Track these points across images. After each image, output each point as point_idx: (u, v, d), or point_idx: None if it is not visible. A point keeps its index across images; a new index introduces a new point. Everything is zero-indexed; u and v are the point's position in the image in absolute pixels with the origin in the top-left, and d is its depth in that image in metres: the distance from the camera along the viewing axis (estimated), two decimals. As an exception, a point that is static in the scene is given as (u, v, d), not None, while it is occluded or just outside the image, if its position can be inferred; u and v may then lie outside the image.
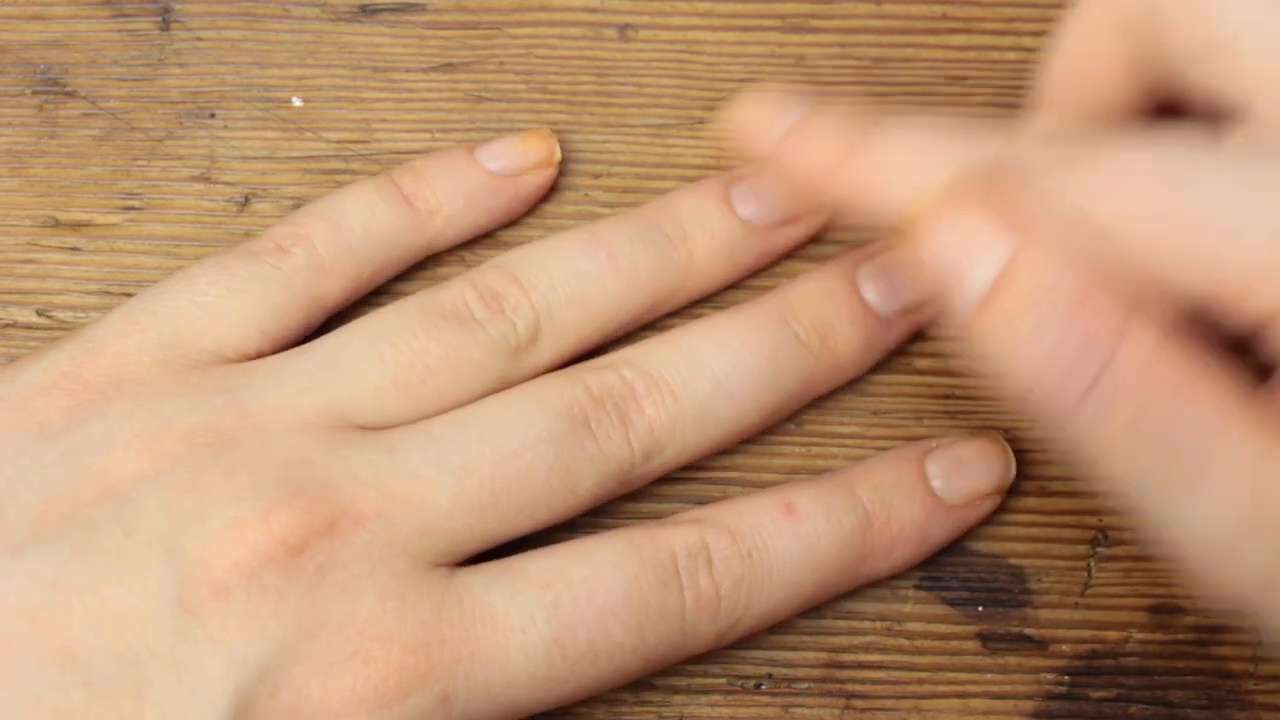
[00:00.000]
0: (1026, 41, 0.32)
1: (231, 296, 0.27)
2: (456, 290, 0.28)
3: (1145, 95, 0.25)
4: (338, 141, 0.31)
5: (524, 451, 0.26)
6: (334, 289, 0.28)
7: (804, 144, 0.25)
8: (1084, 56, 0.25)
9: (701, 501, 0.29)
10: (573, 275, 0.28)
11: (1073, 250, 0.22)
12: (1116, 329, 0.21)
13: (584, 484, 0.27)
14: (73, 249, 0.30)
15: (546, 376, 0.27)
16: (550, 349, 0.28)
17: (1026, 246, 0.22)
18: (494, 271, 0.28)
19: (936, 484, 0.28)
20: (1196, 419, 0.21)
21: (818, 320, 0.28)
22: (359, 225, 0.29)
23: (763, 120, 0.26)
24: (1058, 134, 0.23)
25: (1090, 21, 0.25)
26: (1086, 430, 0.22)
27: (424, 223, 0.29)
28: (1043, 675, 0.29)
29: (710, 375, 0.27)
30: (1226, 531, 0.21)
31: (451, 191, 0.30)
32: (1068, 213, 0.22)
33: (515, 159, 0.30)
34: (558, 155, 0.30)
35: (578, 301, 0.28)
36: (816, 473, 0.29)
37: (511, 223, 0.31)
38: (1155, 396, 0.21)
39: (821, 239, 0.31)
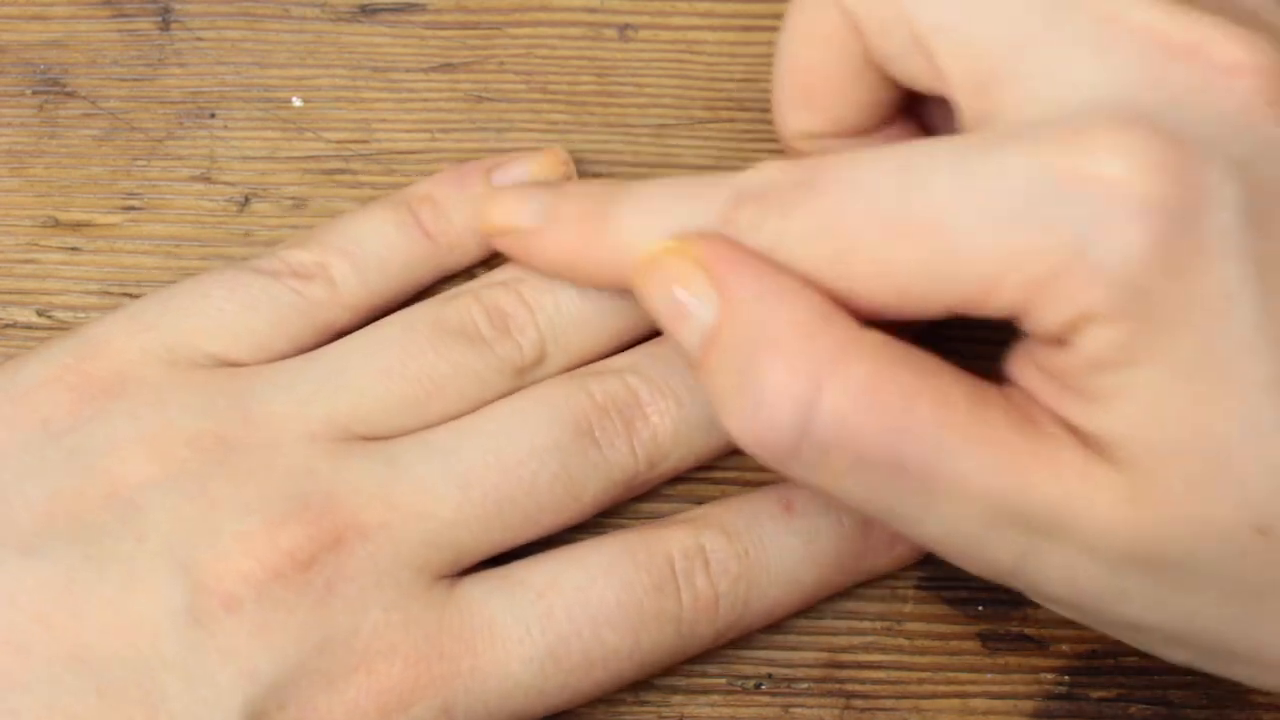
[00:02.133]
0: (1026, 41, 0.32)
1: (246, 312, 0.27)
2: (463, 305, 0.28)
3: (886, 93, 0.25)
4: (338, 141, 0.31)
5: (529, 461, 0.26)
6: (347, 319, 0.28)
7: (550, 237, 0.26)
8: (809, 65, 0.25)
9: (701, 501, 0.29)
10: (579, 296, 0.28)
11: (781, 297, 0.22)
12: (816, 380, 0.21)
13: (588, 492, 0.27)
14: (73, 249, 0.30)
15: (550, 382, 0.27)
16: (555, 366, 0.28)
17: (730, 305, 0.22)
18: (500, 288, 0.28)
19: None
20: (918, 445, 0.21)
21: None
22: (377, 261, 0.28)
23: (509, 220, 0.27)
24: (779, 168, 0.23)
25: (802, 32, 0.25)
26: (808, 473, 0.22)
27: (442, 256, 0.29)
28: (1043, 675, 0.29)
29: None
30: (971, 536, 0.22)
31: (470, 224, 0.29)
32: (786, 252, 0.22)
33: None
34: (574, 178, 0.30)
35: (583, 323, 0.28)
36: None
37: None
38: (872, 432, 0.21)
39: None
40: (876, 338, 0.22)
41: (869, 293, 0.22)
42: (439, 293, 0.29)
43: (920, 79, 0.23)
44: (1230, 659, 0.23)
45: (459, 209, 0.29)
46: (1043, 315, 0.20)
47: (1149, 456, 0.20)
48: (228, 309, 0.27)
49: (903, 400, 0.21)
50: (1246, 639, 0.22)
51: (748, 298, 0.22)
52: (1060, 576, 0.22)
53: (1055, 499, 0.21)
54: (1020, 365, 0.22)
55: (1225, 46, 0.21)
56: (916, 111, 0.27)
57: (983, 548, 0.22)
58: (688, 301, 0.23)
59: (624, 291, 0.28)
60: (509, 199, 0.27)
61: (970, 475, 0.21)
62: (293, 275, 0.28)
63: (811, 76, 0.25)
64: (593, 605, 0.26)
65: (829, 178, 0.22)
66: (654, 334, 0.29)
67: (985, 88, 0.22)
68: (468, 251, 0.29)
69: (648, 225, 0.25)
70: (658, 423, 0.27)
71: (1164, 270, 0.19)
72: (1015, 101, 0.22)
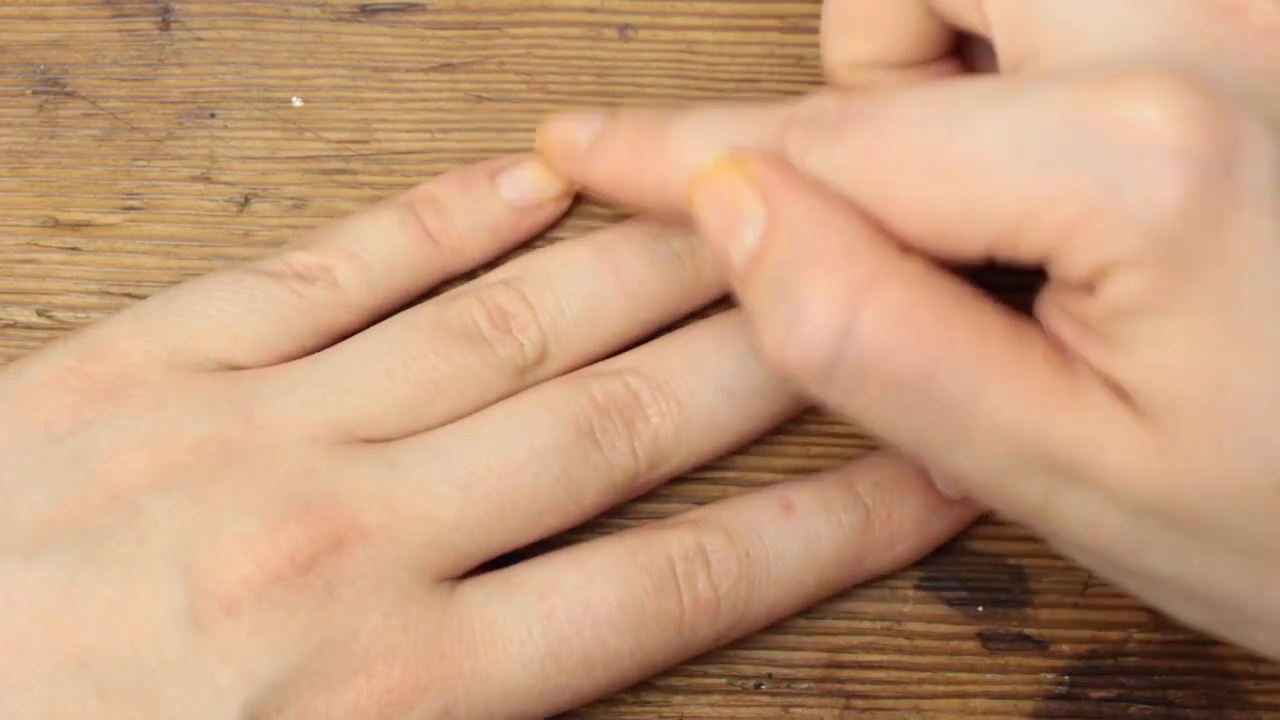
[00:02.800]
0: (1026, 41, 0.32)
1: (249, 314, 0.27)
2: (465, 306, 0.28)
3: (934, 25, 0.25)
4: (338, 141, 0.31)
5: (530, 463, 0.26)
6: (350, 321, 0.28)
7: (605, 152, 0.26)
8: (862, 6, 0.25)
9: (701, 501, 0.29)
10: (581, 295, 0.28)
11: (828, 218, 0.22)
12: (853, 300, 0.21)
13: (589, 493, 0.27)
14: (73, 249, 0.30)
15: (551, 383, 0.27)
16: (556, 366, 0.28)
17: (777, 222, 0.22)
18: (501, 288, 0.28)
19: (937, 478, 0.28)
20: (954, 374, 0.21)
21: None
22: (381, 263, 0.28)
23: (567, 137, 0.27)
24: (831, 99, 0.23)
25: None
26: (842, 397, 0.22)
27: (446, 258, 0.29)
28: (1043, 675, 0.29)
29: (715, 381, 0.27)
30: (999, 472, 0.21)
31: (475, 228, 0.29)
32: (833, 179, 0.22)
33: (536, 192, 0.29)
34: (577, 184, 0.30)
35: (585, 322, 0.28)
36: (816, 472, 0.29)
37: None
38: (907, 358, 0.21)
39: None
40: (918, 265, 0.22)
41: (908, 227, 0.21)
42: (441, 293, 0.29)
43: (962, 15, 0.23)
44: (1245, 621, 0.22)
45: (463, 211, 0.29)
46: (1071, 259, 0.20)
47: (1171, 408, 0.20)
48: (230, 311, 0.27)
49: (940, 327, 0.21)
50: (1262, 600, 0.21)
51: (795, 216, 0.22)
52: (1082, 522, 0.21)
53: (1080, 442, 0.21)
54: (1047, 310, 0.22)
55: (1264, 7, 0.21)
56: (963, 50, 0.27)
57: (1010, 486, 0.22)
58: (736, 216, 0.23)
59: (625, 291, 0.28)
60: (569, 118, 0.28)
61: (1002, 408, 0.21)
62: (296, 277, 0.28)
63: (862, 15, 0.26)
64: (593, 606, 0.26)
65: (874, 111, 0.22)
66: (655, 334, 0.29)
67: (1025, 30, 0.22)
68: (471, 254, 0.29)
69: (702, 144, 0.25)
70: (659, 424, 0.27)
71: (1194, 221, 0.19)
72: (1053, 46, 0.22)
